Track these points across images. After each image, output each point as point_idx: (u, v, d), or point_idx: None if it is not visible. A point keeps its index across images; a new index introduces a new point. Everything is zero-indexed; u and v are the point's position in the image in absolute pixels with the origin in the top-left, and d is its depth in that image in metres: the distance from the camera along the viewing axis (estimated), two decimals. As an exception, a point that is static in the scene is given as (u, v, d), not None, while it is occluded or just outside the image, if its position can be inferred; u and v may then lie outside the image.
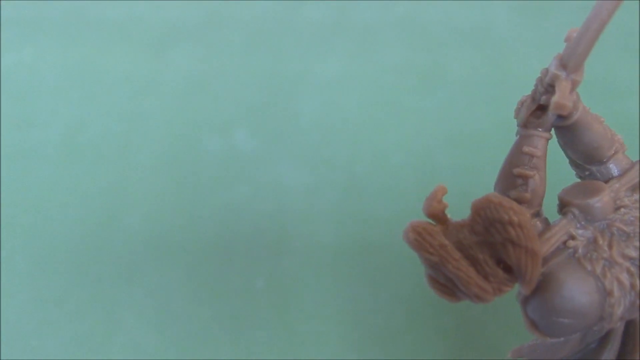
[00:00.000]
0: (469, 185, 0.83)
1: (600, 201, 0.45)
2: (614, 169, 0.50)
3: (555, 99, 0.46)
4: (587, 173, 0.51)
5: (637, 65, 0.83)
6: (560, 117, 0.48)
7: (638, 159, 0.51)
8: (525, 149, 0.48)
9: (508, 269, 0.42)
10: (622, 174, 0.49)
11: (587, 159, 0.50)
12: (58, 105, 0.86)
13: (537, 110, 0.49)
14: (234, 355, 0.80)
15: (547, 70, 0.48)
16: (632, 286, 0.43)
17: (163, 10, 0.89)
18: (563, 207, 0.47)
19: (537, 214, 0.47)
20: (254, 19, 0.89)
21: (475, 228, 0.42)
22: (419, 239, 0.42)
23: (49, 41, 0.88)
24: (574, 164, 0.52)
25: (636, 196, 0.47)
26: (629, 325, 0.46)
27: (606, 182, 0.49)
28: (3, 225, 0.83)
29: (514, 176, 0.48)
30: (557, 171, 0.51)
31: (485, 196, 0.42)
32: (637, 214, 0.45)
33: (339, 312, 0.81)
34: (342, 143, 0.85)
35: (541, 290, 0.43)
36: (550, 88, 0.47)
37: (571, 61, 0.46)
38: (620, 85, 0.86)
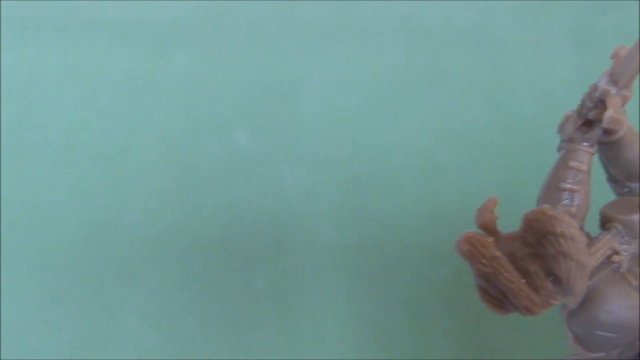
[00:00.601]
0: (469, 185, 0.83)
1: None
2: None
3: (609, 113, 0.46)
4: (625, 190, 0.51)
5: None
6: (607, 133, 0.48)
7: None
8: (572, 163, 0.48)
9: (556, 282, 0.42)
10: None
11: (627, 175, 0.50)
12: (58, 105, 0.86)
13: (583, 126, 0.49)
14: (234, 355, 0.80)
15: (596, 86, 0.49)
16: None
17: (163, 10, 0.89)
18: (606, 222, 0.48)
19: (581, 228, 0.48)
20: (254, 19, 0.89)
21: (527, 240, 0.42)
22: (472, 250, 0.42)
23: (49, 41, 0.88)
24: (613, 180, 0.52)
25: None
26: None
27: None
28: (3, 225, 0.83)
29: (561, 190, 0.48)
30: (594, 187, 0.51)
31: (538, 208, 0.42)
32: None
33: (339, 312, 0.81)
34: (342, 143, 0.85)
35: (586, 304, 0.44)
36: (599, 103, 0.48)
37: (623, 77, 0.47)
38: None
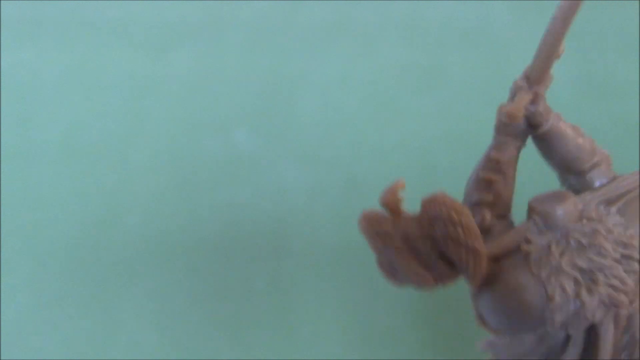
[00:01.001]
0: (469, 185, 0.83)
1: (562, 209, 0.46)
2: (593, 181, 0.51)
3: (504, 107, 0.49)
4: (567, 184, 0.52)
5: (637, 65, 0.83)
6: (531, 127, 0.50)
7: (619, 174, 0.52)
8: (493, 153, 0.50)
9: (450, 264, 0.45)
10: (599, 187, 0.50)
11: (564, 169, 0.52)
12: (58, 105, 0.86)
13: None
14: (234, 356, 0.80)
15: (514, 82, 0.51)
16: (577, 295, 0.44)
17: (163, 10, 0.89)
18: (529, 213, 0.48)
19: (503, 217, 0.49)
20: (254, 19, 0.89)
21: (422, 222, 0.44)
22: (367, 226, 0.45)
23: (49, 41, 0.88)
24: (558, 175, 0.53)
25: (611, 209, 0.47)
26: (590, 333, 0.47)
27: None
28: (3, 225, 0.83)
29: (480, 179, 0.50)
30: (544, 182, 0.52)
31: (433, 194, 0.44)
32: (598, 227, 0.46)
33: (339, 312, 0.81)
34: (342, 143, 0.85)
35: (488, 286, 0.46)
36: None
37: (532, 73, 0.49)
38: (620, 85, 0.86)
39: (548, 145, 0.51)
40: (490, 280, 0.46)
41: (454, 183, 0.84)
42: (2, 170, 0.84)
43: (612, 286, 0.44)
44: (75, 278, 0.82)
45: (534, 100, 0.50)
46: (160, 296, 0.82)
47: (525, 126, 0.50)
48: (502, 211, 0.49)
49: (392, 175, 0.84)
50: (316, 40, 0.88)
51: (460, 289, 0.81)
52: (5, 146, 0.85)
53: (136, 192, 0.84)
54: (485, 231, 0.48)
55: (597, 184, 0.51)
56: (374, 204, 0.84)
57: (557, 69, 0.86)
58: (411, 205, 0.83)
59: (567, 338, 0.47)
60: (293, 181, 0.84)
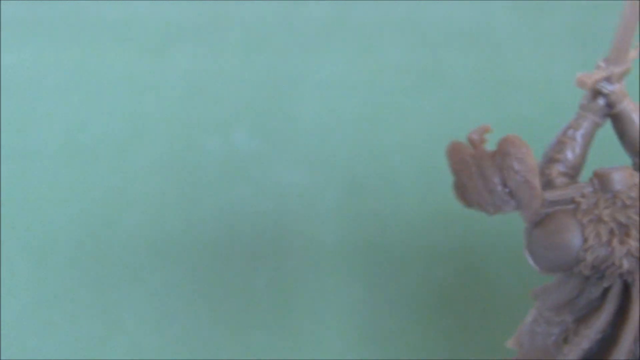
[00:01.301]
0: (469, 185, 0.83)
1: (618, 175, 0.54)
2: None
3: (577, 75, 0.56)
4: (637, 166, 0.58)
5: (637, 65, 0.83)
6: (608, 106, 0.57)
7: None
8: (571, 122, 0.57)
9: (510, 194, 0.53)
10: None
11: (633, 151, 0.58)
12: (58, 105, 0.86)
13: (593, 98, 0.57)
14: (234, 356, 0.80)
15: None
16: (609, 242, 0.52)
17: (163, 10, 0.89)
18: (591, 177, 0.56)
19: (569, 177, 0.57)
20: (254, 19, 0.89)
21: (495, 156, 0.53)
22: (451, 152, 0.56)
23: (49, 41, 0.88)
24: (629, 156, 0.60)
25: None
26: (626, 294, 0.54)
27: None
28: (3, 225, 0.83)
29: (556, 142, 0.58)
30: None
31: (508, 134, 0.54)
32: None
33: (339, 312, 0.81)
34: (342, 143, 0.85)
35: (539, 225, 0.54)
36: None
37: (610, 54, 0.57)
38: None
39: (620, 126, 0.57)
40: (542, 220, 0.54)
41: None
42: (2, 170, 0.84)
43: None
44: (75, 278, 0.82)
45: (610, 80, 0.56)
46: (161, 296, 0.82)
47: (603, 105, 0.57)
48: (570, 171, 0.57)
49: (392, 175, 0.85)
50: (316, 40, 0.88)
51: (461, 290, 0.81)
52: (5, 146, 0.85)
53: (136, 191, 0.84)
54: (551, 182, 0.56)
55: None
56: (374, 204, 0.84)
57: (557, 69, 0.86)
58: (412, 205, 0.83)
59: (604, 294, 0.54)
60: (293, 181, 0.84)
